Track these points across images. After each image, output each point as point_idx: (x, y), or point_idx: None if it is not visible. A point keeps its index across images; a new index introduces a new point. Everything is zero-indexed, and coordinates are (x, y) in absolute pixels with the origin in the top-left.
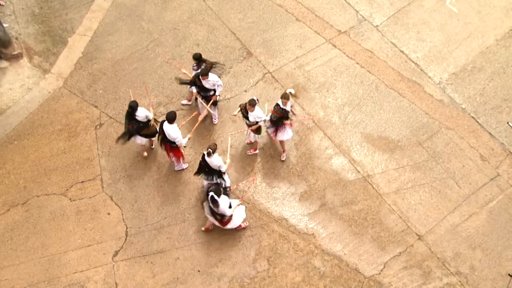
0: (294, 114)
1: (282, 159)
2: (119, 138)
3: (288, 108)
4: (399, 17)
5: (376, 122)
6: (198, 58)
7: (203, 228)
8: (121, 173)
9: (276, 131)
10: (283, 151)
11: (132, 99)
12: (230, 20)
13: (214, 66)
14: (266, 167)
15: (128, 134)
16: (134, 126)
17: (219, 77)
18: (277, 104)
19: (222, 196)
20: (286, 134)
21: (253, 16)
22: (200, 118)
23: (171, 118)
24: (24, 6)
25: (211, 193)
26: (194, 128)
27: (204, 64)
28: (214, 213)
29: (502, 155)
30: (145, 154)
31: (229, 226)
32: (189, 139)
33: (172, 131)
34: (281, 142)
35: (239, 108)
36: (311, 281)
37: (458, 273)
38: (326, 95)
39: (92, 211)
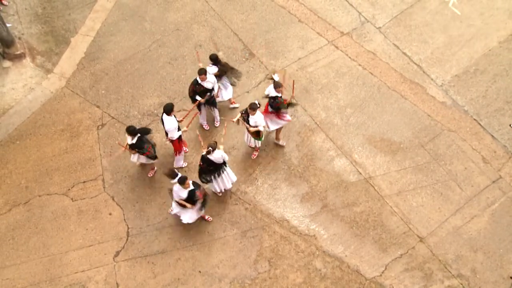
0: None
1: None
2: None
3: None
4: (402, 19)
5: (378, 124)
6: (214, 59)
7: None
8: (122, 174)
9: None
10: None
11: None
12: (232, 21)
13: (233, 71)
14: (268, 168)
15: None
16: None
17: (233, 84)
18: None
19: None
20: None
21: (255, 17)
22: (194, 113)
23: (168, 109)
24: (27, 6)
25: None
26: (190, 122)
27: (220, 65)
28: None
29: (504, 158)
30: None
31: None
32: (184, 132)
33: (167, 122)
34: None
35: (239, 114)
36: (312, 282)
37: (460, 276)
38: (328, 97)
39: (94, 211)
